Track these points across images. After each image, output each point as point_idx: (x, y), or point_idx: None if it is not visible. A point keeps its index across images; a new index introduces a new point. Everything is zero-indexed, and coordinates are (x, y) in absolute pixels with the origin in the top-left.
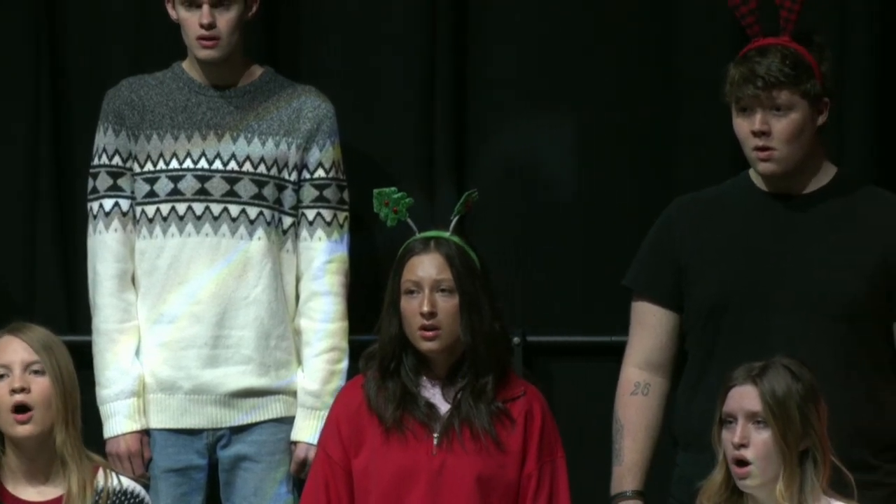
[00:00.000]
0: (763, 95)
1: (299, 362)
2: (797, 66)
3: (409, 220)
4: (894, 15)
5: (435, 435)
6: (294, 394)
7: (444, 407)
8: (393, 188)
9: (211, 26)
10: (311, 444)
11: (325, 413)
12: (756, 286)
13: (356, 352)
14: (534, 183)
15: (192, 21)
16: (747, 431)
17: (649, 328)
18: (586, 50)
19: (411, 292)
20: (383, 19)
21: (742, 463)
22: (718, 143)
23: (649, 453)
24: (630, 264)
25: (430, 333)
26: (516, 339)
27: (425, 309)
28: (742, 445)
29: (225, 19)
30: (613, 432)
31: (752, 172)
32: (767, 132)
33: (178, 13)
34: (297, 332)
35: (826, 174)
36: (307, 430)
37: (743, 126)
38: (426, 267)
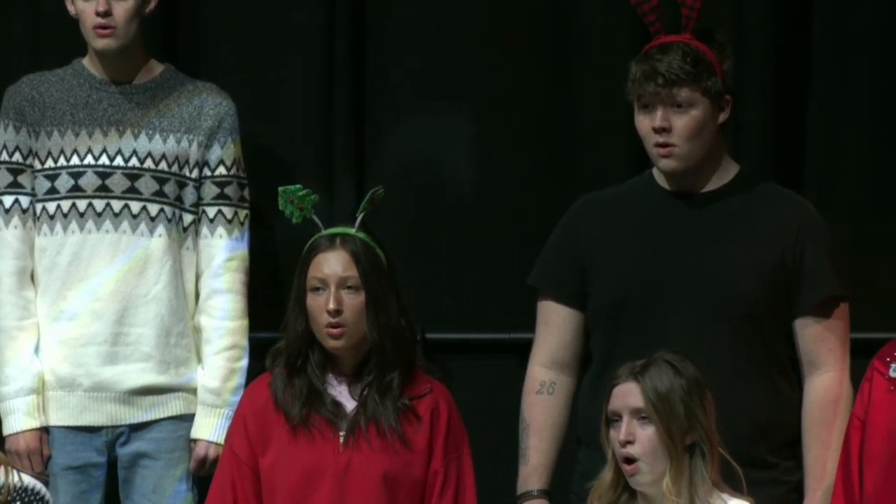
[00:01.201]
0: (664, 93)
1: (199, 360)
2: (698, 64)
3: (314, 217)
4: (790, 13)
5: (341, 433)
6: (194, 391)
7: (350, 404)
8: (298, 185)
9: (107, 14)
10: (211, 442)
11: (224, 410)
12: (656, 284)
13: (257, 349)
14: (432, 181)
15: (88, 11)
16: (632, 428)
17: (554, 327)
18: (484, 49)
19: (317, 289)
20: (283, 18)
21: (630, 460)
22: (616, 141)
23: (555, 453)
24: (528, 261)
25: (336, 331)
26: None
27: (331, 306)
28: (628, 442)
29: (122, 8)
30: (520, 431)
31: (654, 171)
32: (668, 129)
33: (76, 5)
34: (197, 330)
35: (728, 172)
36: (207, 428)
37: (644, 123)
38: (332, 264)
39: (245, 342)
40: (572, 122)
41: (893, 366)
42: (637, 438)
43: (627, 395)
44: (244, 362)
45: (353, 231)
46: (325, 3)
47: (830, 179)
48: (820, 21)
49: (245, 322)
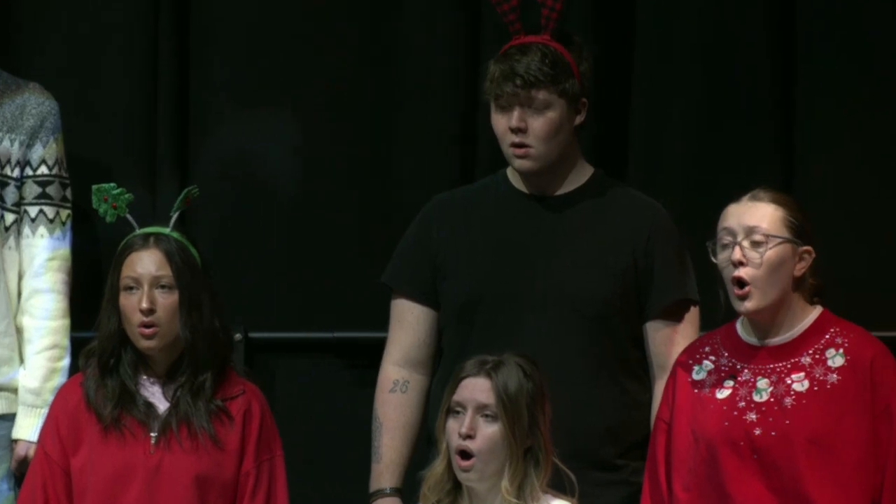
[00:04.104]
0: (522, 94)
1: (22, 360)
2: (556, 66)
3: (128, 216)
4: (612, 18)
5: (153, 434)
6: (16, 391)
7: (163, 405)
8: (112, 184)
9: None
10: (31, 442)
11: (45, 410)
12: (509, 284)
13: (77, 349)
14: (255, 180)
15: None
16: (476, 423)
17: (408, 325)
18: (307, 50)
19: (130, 289)
20: (106, 17)
21: (466, 455)
22: (436, 142)
23: (408, 450)
24: (350, 260)
25: (148, 331)
26: (238, 336)
27: (144, 306)
28: (469, 436)
29: None
30: (373, 430)
31: (509, 171)
32: (524, 129)
33: None
34: (20, 330)
35: (582, 175)
36: (27, 428)
37: (501, 122)
38: (145, 263)
39: (66, 342)
40: (392, 122)
41: (696, 368)
42: (478, 434)
43: (476, 389)
44: (65, 362)
45: (167, 230)
46: (149, 2)
47: (652, 178)
48: (642, 24)
49: (66, 322)
